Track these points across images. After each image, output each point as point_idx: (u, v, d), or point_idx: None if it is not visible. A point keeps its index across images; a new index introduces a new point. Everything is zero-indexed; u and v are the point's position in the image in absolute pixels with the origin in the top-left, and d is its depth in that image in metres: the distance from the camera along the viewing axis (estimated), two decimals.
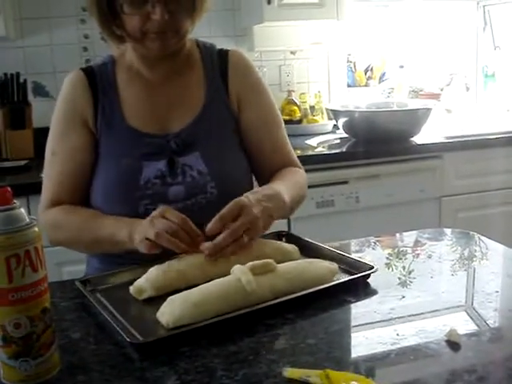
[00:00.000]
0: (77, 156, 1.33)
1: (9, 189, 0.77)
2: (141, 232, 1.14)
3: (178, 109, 1.35)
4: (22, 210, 0.78)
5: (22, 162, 2.41)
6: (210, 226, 1.10)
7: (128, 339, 0.85)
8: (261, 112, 1.42)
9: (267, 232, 1.21)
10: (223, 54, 1.41)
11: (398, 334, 0.87)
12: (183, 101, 1.36)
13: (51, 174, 1.35)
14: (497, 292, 1.02)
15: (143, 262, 1.14)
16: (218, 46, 1.43)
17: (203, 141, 1.33)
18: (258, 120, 1.41)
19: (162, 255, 1.11)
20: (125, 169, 1.29)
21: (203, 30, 1.34)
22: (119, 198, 1.29)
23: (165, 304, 0.94)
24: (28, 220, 0.77)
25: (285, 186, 1.29)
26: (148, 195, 1.27)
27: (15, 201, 0.78)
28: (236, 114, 1.39)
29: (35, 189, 2.07)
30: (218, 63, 1.39)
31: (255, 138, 1.40)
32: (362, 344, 0.87)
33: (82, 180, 1.33)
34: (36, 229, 0.78)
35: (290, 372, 0.77)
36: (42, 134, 2.41)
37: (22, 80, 2.56)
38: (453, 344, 0.83)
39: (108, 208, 1.29)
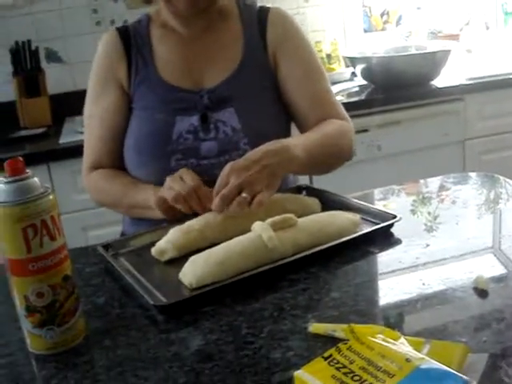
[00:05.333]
0: (113, 117, 1.34)
1: (20, 158, 0.76)
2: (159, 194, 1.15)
3: (213, 65, 1.34)
4: (36, 179, 0.77)
5: (40, 130, 2.40)
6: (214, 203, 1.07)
7: (151, 302, 0.85)
8: (298, 63, 1.37)
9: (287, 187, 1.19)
10: (264, 11, 1.39)
11: (423, 284, 0.86)
12: (219, 57, 1.34)
13: (90, 138, 1.38)
14: None
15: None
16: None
17: (238, 97, 1.31)
18: (295, 71, 1.36)
19: (182, 216, 1.10)
20: (158, 123, 1.29)
21: None
22: (151, 152, 1.29)
23: (187, 264, 0.94)
24: (42, 189, 0.76)
25: (304, 139, 1.24)
26: (180, 150, 1.27)
27: (28, 170, 0.77)
28: (273, 69, 1.35)
29: (55, 156, 2.08)
30: (257, 20, 1.37)
31: (294, 89, 1.35)
32: (388, 295, 0.86)
33: (119, 141, 1.35)
34: (51, 197, 0.77)
35: (314, 327, 0.76)
36: (58, 100, 2.42)
37: (33, 47, 2.53)
38: (480, 291, 0.81)
39: (140, 163, 1.30)
